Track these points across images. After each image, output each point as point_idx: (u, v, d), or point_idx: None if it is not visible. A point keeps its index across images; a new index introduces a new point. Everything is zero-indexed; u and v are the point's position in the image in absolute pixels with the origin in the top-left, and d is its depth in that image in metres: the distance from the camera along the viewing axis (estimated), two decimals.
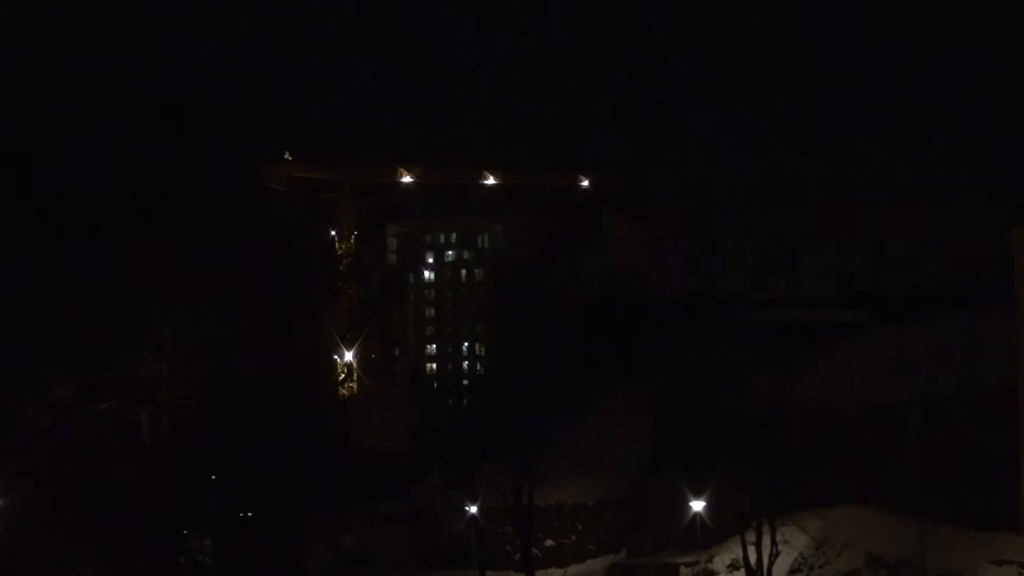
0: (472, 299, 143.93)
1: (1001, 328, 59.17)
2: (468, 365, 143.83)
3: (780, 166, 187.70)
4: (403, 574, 78.13)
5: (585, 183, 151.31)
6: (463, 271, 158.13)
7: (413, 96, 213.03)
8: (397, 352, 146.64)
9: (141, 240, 70.32)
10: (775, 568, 60.80)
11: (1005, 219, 58.87)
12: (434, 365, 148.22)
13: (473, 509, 74.77)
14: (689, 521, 66.70)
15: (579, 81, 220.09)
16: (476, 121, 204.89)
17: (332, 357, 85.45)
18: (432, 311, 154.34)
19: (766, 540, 60.13)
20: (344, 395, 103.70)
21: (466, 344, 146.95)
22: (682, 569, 69.13)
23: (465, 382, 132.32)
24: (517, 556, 74.74)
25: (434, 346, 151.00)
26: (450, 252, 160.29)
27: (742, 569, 62.15)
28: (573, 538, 77.25)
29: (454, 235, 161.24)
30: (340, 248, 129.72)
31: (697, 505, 65.79)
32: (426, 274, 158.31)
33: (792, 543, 62.95)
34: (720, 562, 66.86)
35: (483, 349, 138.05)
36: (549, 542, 76.93)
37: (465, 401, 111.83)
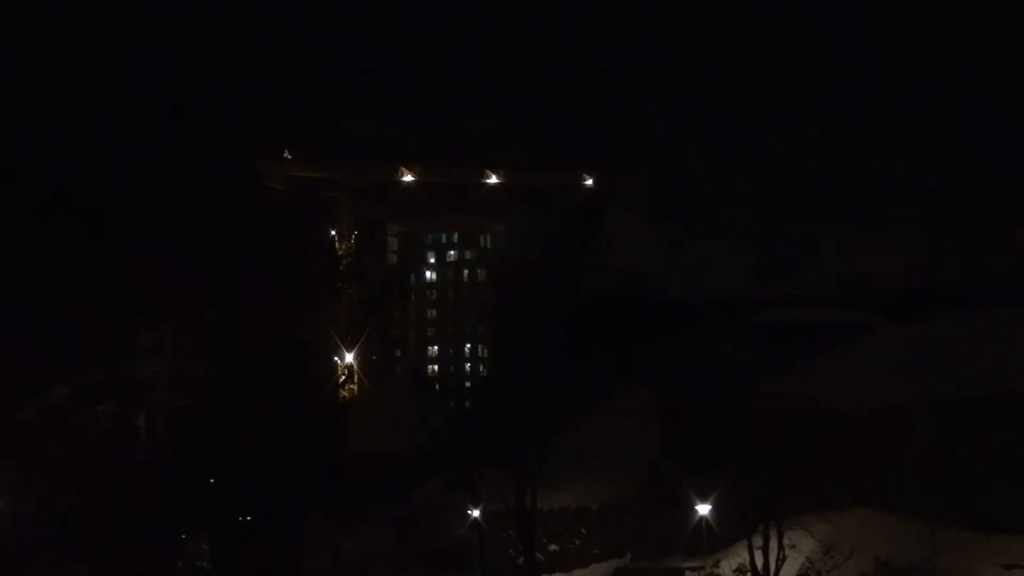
0: (474, 300, 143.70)
1: (1010, 329, 59.06)
2: (470, 366, 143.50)
3: (784, 165, 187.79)
4: None
5: (588, 183, 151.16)
6: (465, 271, 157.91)
7: (414, 95, 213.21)
8: (398, 353, 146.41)
9: (140, 240, 70.26)
10: (782, 573, 60.60)
11: (1014, 218, 58.78)
12: (435, 366, 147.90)
13: (475, 513, 74.58)
14: (695, 525, 66.40)
15: (581, 80, 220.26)
16: (478, 120, 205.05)
17: (332, 358, 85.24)
18: (433, 312, 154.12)
19: (773, 544, 59.96)
20: (344, 397, 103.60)
21: (468, 345, 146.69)
22: (687, 574, 68.98)
23: (467, 384, 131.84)
24: (520, 561, 74.55)
25: (435, 347, 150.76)
26: (451, 252, 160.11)
27: (748, 574, 61.97)
28: (577, 542, 77.00)
29: (455, 235, 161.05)
30: (340, 248, 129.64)
31: (703, 509, 65.53)
32: (427, 274, 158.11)
33: (799, 547, 62.76)
34: (726, 566, 66.67)
35: (485, 350, 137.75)
36: (553, 547, 76.71)
37: (467, 403, 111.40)
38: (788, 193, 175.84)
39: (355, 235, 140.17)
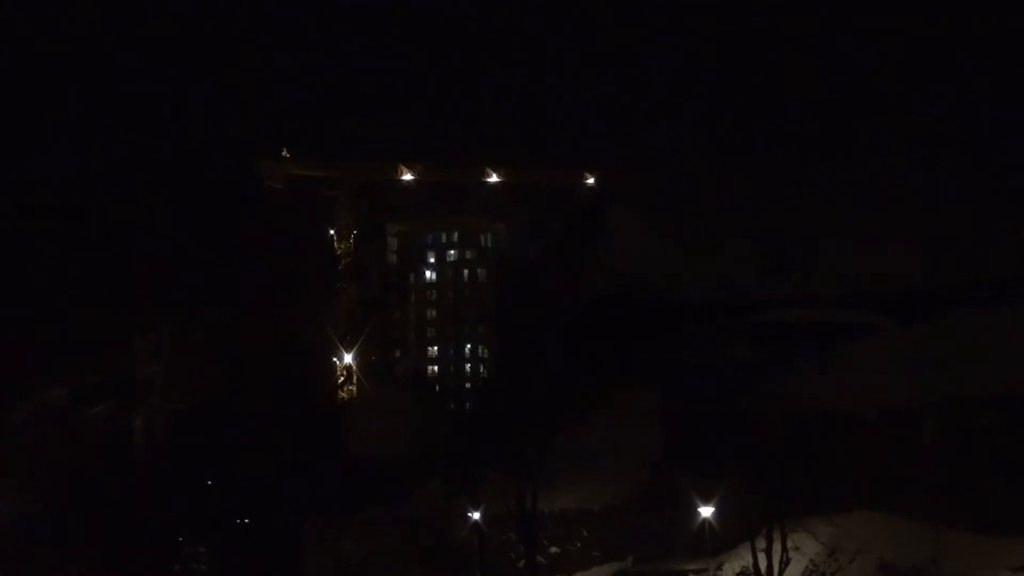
0: (474, 300, 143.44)
1: (1015, 329, 59.03)
2: (470, 367, 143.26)
3: (787, 165, 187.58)
4: None
5: (590, 182, 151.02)
6: (465, 271, 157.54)
7: (414, 93, 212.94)
8: (397, 354, 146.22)
9: (137, 239, 70.25)
10: (785, 575, 60.55)
11: (1018, 218, 58.76)
12: (435, 367, 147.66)
13: (476, 515, 74.52)
14: (697, 527, 66.37)
15: (584, 78, 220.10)
16: (478, 119, 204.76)
17: (331, 359, 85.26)
18: (433, 312, 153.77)
19: (776, 547, 59.94)
20: (343, 398, 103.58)
21: (468, 346, 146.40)
22: None
23: (467, 385, 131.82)
24: (521, 563, 74.50)
25: (435, 348, 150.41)
26: (452, 252, 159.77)
27: None
28: (578, 545, 76.91)
29: (456, 234, 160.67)
30: (339, 248, 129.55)
31: (706, 510, 65.50)
32: (427, 274, 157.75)
33: (803, 550, 62.73)
34: (729, 569, 66.58)
35: (485, 351, 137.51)
36: (554, 549, 76.63)
37: (467, 404, 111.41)
38: (791, 193, 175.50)
39: (354, 235, 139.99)
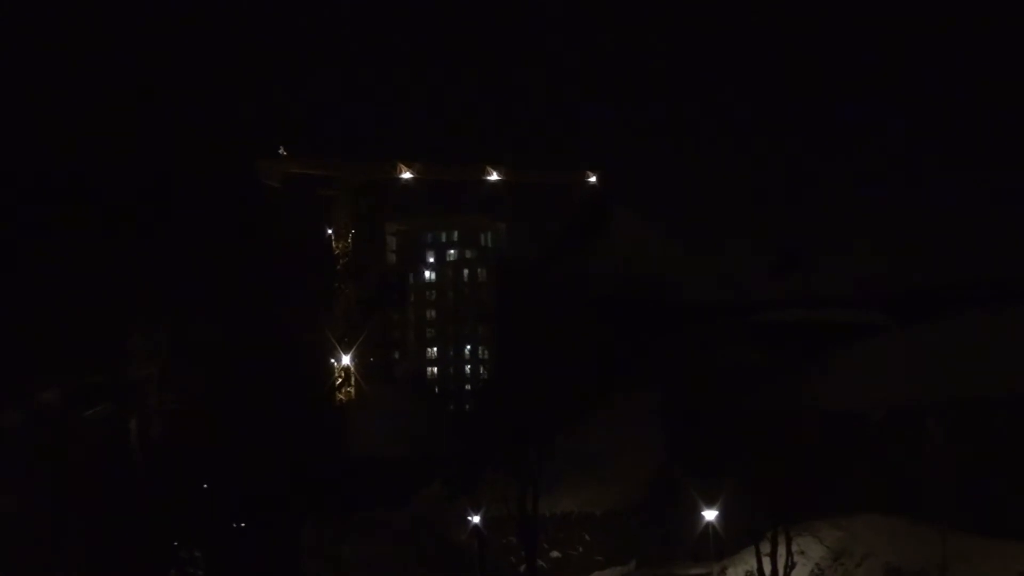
0: (474, 300, 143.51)
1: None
2: (470, 368, 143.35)
3: (795, 163, 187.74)
4: None
5: (591, 180, 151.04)
6: (465, 271, 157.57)
7: (413, 90, 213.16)
8: (397, 355, 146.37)
9: (131, 239, 70.12)
10: None
11: None
12: (435, 368, 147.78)
13: (476, 518, 74.59)
14: (701, 531, 66.45)
15: (586, 75, 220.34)
16: (479, 116, 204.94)
17: (329, 360, 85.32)
18: (433, 312, 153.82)
19: (781, 551, 59.92)
20: (342, 400, 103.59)
21: (468, 347, 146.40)
22: None
23: (467, 386, 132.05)
24: (522, 568, 74.54)
25: (435, 349, 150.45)
26: (451, 251, 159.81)
27: None
28: (580, 549, 76.91)
29: (456, 234, 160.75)
30: (337, 247, 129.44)
31: (710, 514, 65.55)
32: (427, 274, 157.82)
33: (808, 554, 62.70)
34: (734, 573, 66.54)
35: (486, 352, 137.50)
36: (555, 553, 76.62)
37: (467, 406, 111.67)
38: (796, 192, 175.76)
39: (352, 234, 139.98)
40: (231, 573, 69.16)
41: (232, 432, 68.92)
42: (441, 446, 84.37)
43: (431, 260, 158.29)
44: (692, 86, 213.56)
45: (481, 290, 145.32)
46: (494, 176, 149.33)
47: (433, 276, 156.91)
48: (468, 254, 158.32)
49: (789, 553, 60.02)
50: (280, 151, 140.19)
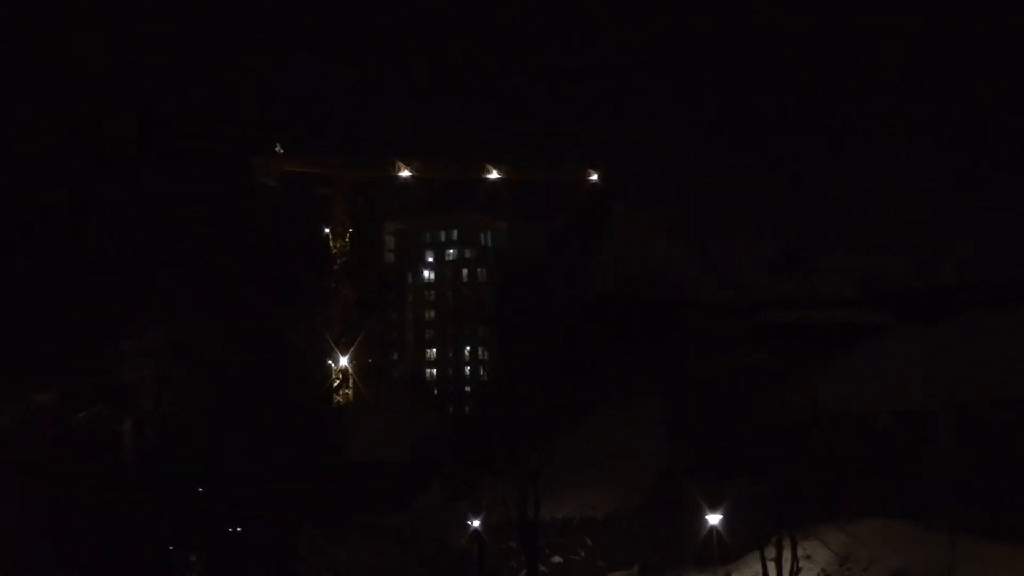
0: (474, 300, 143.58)
1: None
2: (470, 370, 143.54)
3: (800, 161, 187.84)
4: None
5: (594, 178, 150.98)
6: (464, 271, 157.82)
7: (412, 86, 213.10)
8: (395, 356, 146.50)
9: (124, 238, 70.05)
10: None
11: None
12: (434, 370, 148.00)
13: (476, 523, 74.43)
14: (705, 535, 66.24)
15: (588, 72, 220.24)
16: (478, 113, 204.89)
17: (326, 362, 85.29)
18: (432, 313, 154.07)
19: (787, 555, 59.73)
20: (339, 402, 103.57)
21: (468, 348, 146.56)
22: None
23: (467, 388, 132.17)
24: (523, 573, 74.35)
25: (434, 350, 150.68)
26: (451, 251, 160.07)
27: None
28: (582, 554, 76.74)
29: (455, 233, 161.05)
30: (335, 247, 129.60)
31: (714, 518, 65.35)
32: (425, 274, 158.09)
33: (814, 558, 62.54)
34: None
35: (486, 353, 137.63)
36: (556, 558, 76.47)
37: (467, 408, 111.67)
38: (802, 190, 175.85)
39: (350, 233, 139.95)
40: None
41: (227, 434, 68.89)
42: (440, 449, 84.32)
43: (430, 260, 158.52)
44: (694, 84, 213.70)
45: (481, 290, 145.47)
46: (494, 174, 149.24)
47: (432, 276, 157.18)
48: (467, 253, 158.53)
49: (795, 558, 59.85)
50: (276, 148, 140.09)
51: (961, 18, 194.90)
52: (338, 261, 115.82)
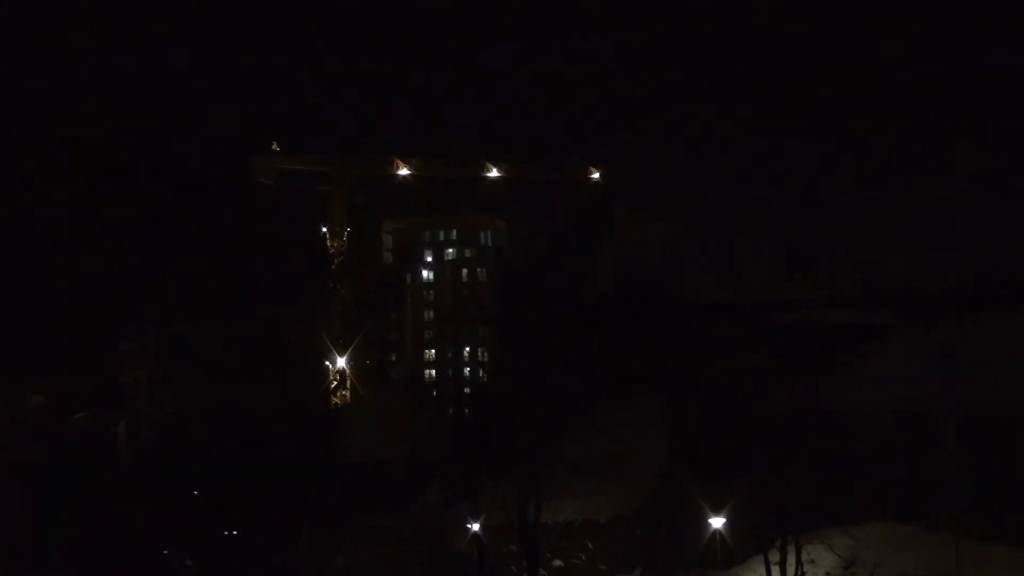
0: (474, 300, 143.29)
1: None
2: (470, 371, 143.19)
3: (805, 163, 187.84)
4: None
5: (594, 176, 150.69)
6: (464, 270, 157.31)
7: (411, 84, 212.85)
8: (393, 357, 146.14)
9: (121, 239, 70.04)
10: None
11: None
12: (433, 371, 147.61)
13: (476, 526, 74.32)
14: (708, 539, 66.20)
15: (590, 70, 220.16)
16: (478, 111, 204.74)
17: (324, 363, 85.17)
18: (431, 313, 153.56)
19: (791, 559, 59.63)
20: (337, 404, 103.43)
21: (467, 348, 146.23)
22: None
23: (467, 390, 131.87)
24: None
25: (433, 351, 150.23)
26: (450, 250, 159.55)
27: None
28: (583, 557, 76.74)
29: (454, 232, 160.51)
30: (332, 246, 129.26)
31: (716, 521, 65.30)
32: (424, 274, 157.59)
33: (818, 562, 62.49)
34: None
35: (486, 354, 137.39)
36: (557, 562, 76.46)
37: (467, 410, 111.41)
38: (806, 191, 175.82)
39: (348, 232, 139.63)
40: None
41: (223, 437, 68.82)
42: (439, 451, 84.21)
43: (429, 259, 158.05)
44: (697, 83, 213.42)
45: (481, 290, 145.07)
46: (494, 173, 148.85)
47: (431, 276, 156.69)
48: (467, 253, 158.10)
49: (799, 562, 59.73)
50: (274, 147, 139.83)
51: (961, 18, 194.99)
52: (336, 261, 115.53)
